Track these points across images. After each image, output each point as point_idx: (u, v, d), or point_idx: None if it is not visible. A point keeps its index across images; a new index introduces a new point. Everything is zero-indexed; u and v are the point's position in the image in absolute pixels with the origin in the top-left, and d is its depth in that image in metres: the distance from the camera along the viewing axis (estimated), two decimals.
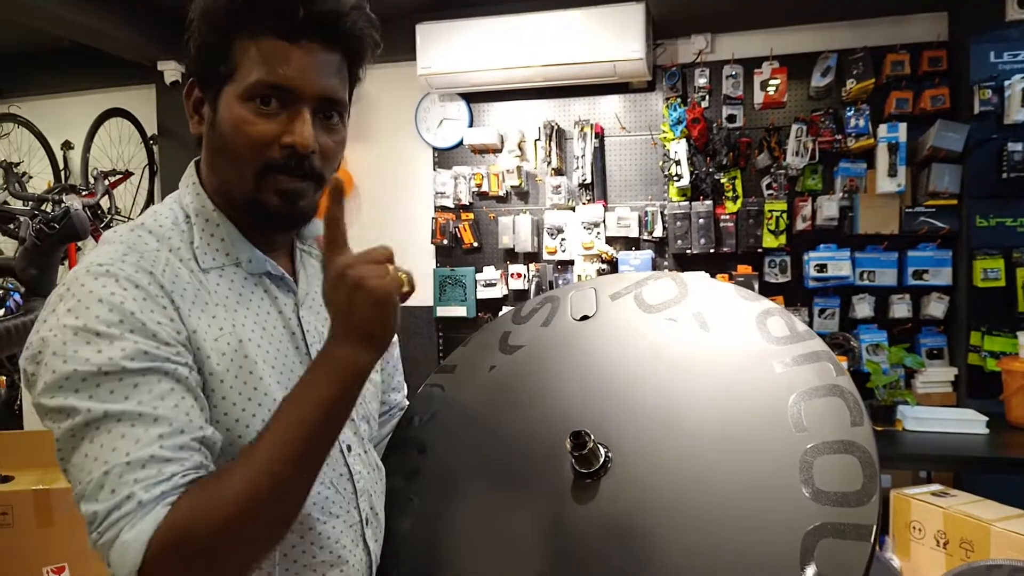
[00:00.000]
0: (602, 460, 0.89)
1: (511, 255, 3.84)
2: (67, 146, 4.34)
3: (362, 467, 0.95)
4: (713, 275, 3.53)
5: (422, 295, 3.94)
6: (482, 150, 3.84)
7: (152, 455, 0.70)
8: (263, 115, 0.82)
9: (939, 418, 2.56)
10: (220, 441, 0.78)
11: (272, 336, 0.88)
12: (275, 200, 0.84)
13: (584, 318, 1.11)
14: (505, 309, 3.79)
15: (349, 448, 0.93)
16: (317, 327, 0.93)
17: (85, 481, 0.70)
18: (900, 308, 3.34)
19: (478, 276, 3.84)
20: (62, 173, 4.31)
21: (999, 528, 1.84)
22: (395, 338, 1.09)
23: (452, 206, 3.88)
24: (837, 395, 0.90)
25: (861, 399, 0.90)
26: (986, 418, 2.53)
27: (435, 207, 3.91)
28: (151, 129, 4.18)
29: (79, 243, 3.08)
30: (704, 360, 0.99)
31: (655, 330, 1.05)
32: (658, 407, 0.95)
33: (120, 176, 4.10)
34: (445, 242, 3.86)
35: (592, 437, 0.88)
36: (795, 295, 3.47)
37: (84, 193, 3.77)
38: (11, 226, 3.49)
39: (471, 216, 3.86)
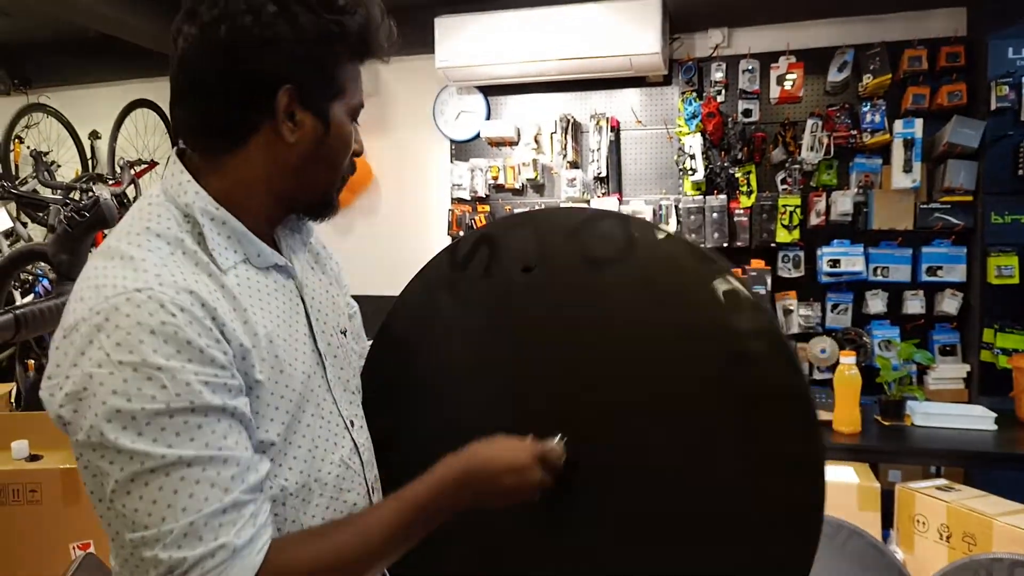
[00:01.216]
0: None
1: None
2: (94, 136, 4.43)
3: (364, 440, 0.99)
4: None
5: None
6: (499, 143, 3.87)
7: (234, 501, 0.73)
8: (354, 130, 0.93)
9: (948, 414, 2.56)
10: (269, 468, 0.82)
11: (289, 326, 0.90)
12: (338, 196, 0.96)
13: (527, 269, 1.07)
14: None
15: (352, 423, 0.97)
16: (316, 306, 0.97)
17: (159, 527, 0.71)
18: (913, 304, 3.33)
19: None
20: (89, 162, 4.40)
21: (1002, 523, 1.85)
22: (356, 310, 1.18)
23: (469, 198, 3.91)
24: None
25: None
26: (994, 414, 2.52)
27: (452, 199, 3.94)
28: None
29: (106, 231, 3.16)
30: (649, 335, 0.99)
31: (601, 298, 1.02)
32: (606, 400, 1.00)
33: (146, 166, 4.18)
34: (461, 234, 3.89)
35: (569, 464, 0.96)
36: (808, 290, 3.47)
37: (111, 182, 3.86)
38: (41, 214, 3.58)
39: (487, 208, 3.89)
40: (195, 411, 0.73)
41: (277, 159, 0.87)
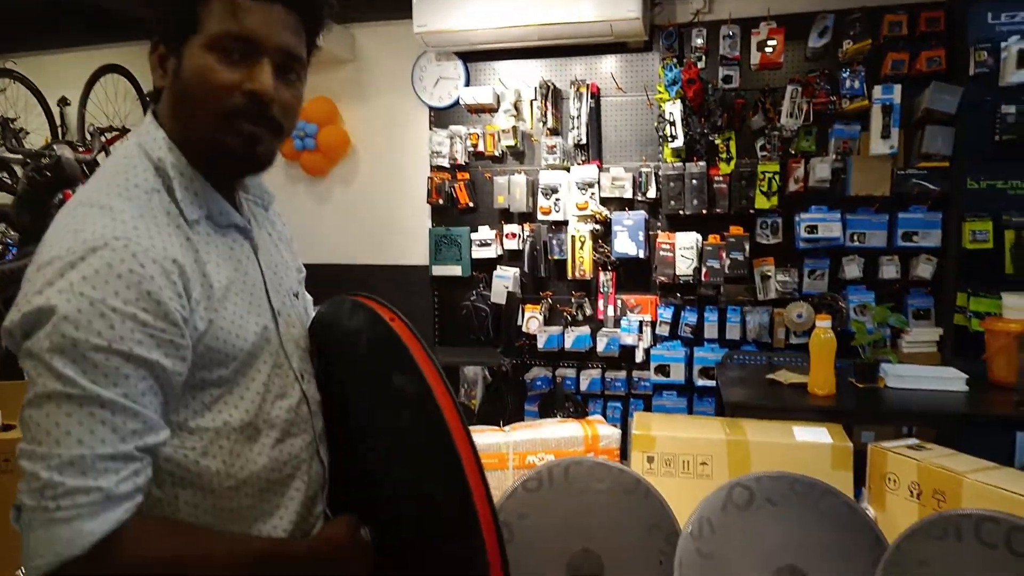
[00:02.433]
0: None
1: (506, 215, 3.84)
2: (64, 102, 4.31)
3: (313, 392, 1.01)
4: (705, 236, 3.55)
5: (418, 254, 3.96)
6: (478, 110, 3.82)
7: (127, 453, 0.76)
8: (226, 64, 0.86)
9: (920, 376, 2.59)
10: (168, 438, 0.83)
11: (244, 282, 0.93)
12: (236, 143, 0.88)
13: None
14: (499, 269, 3.81)
15: (303, 376, 1.00)
16: (272, 268, 1.00)
17: (50, 448, 0.73)
18: (889, 269, 3.35)
19: (473, 236, 3.85)
20: (59, 130, 4.29)
21: (971, 479, 1.88)
22: (304, 275, 1.16)
23: (448, 166, 3.87)
24: None
25: None
26: (966, 376, 2.55)
27: (431, 167, 3.90)
28: (147, 85, 4.13)
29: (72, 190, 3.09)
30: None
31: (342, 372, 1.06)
32: None
33: (117, 133, 4.08)
34: (441, 202, 3.86)
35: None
36: (786, 256, 3.49)
37: (81, 150, 3.76)
38: (9, 181, 3.49)
39: (467, 176, 3.85)
40: (130, 360, 0.76)
41: (165, 105, 0.91)
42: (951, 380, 2.57)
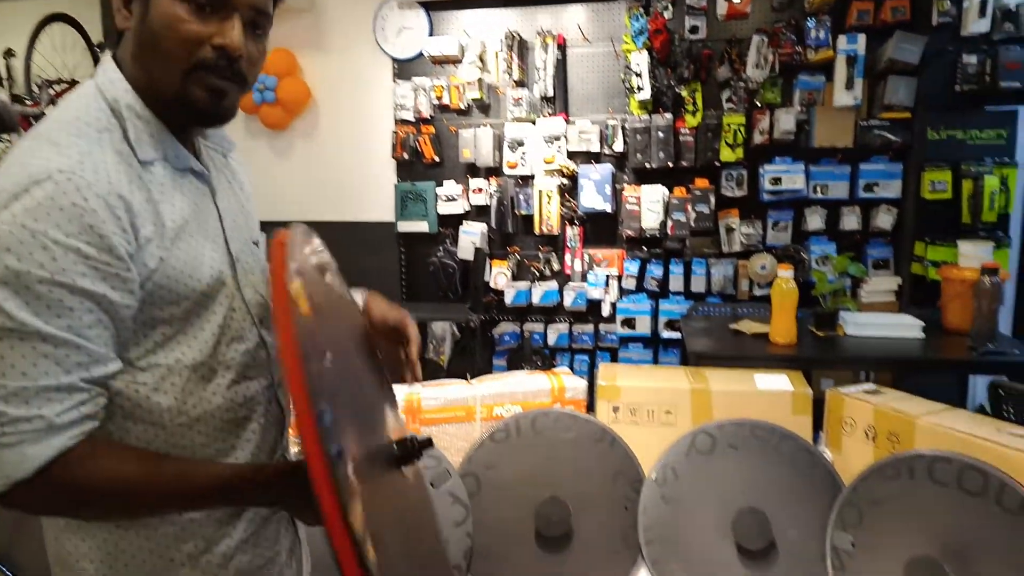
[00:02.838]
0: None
1: (472, 169, 3.79)
2: (9, 54, 4.12)
3: (272, 340, 1.02)
4: (671, 189, 3.54)
5: (383, 210, 3.90)
6: (442, 61, 3.73)
7: (70, 384, 0.77)
8: (197, 15, 0.85)
9: (878, 323, 2.64)
10: (120, 371, 0.84)
11: (199, 224, 0.92)
12: (202, 96, 0.88)
13: None
14: (466, 224, 3.78)
15: (262, 321, 1.00)
16: (230, 214, 1.00)
17: None
18: (850, 220, 3.39)
19: (439, 191, 3.80)
20: (5, 83, 4.10)
21: (924, 421, 1.93)
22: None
23: (412, 119, 3.79)
24: None
25: None
26: (922, 323, 2.61)
27: (395, 120, 3.82)
28: (96, 36, 3.97)
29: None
30: None
31: None
32: None
33: (66, 85, 3.91)
34: (405, 156, 3.79)
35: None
36: (750, 208, 3.51)
37: (29, 103, 3.61)
38: None
39: (432, 129, 3.78)
40: (74, 292, 0.77)
41: (127, 50, 0.90)
42: (907, 327, 2.62)
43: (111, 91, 0.88)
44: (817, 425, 2.26)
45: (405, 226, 3.85)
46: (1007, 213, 3.15)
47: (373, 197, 3.92)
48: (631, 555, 2.11)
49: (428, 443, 0.94)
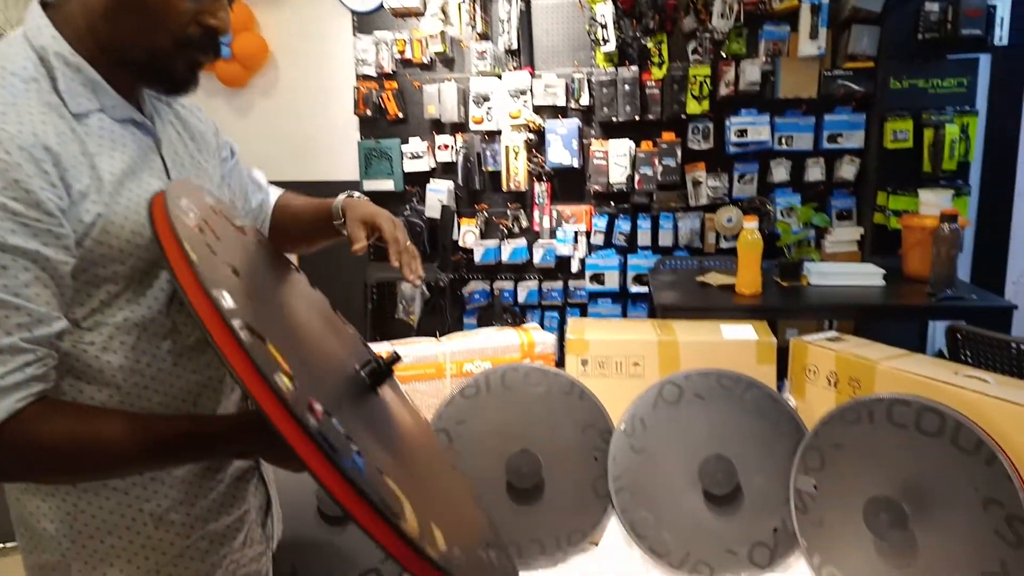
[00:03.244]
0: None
1: (437, 126, 3.72)
2: None
3: None
4: (638, 143, 3.52)
5: (347, 169, 3.82)
6: (404, 13, 3.63)
7: (11, 345, 0.74)
8: None
9: (840, 272, 2.68)
10: (66, 330, 0.80)
11: (141, 179, 0.88)
12: (183, 68, 0.88)
13: None
14: (433, 182, 3.72)
15: None
16: (178, 167, 0.95)
17: None
18: (815, 171, 3.41)
19: (404, 148, 3.73)
20: None
21: (884, 366, 1.97)
22: (236, 159, 1.13)
23: (375, 74, 3.69)
24: None
25: None
26: (883, 271, 2.66)
27: (357, 76, 3.72)
28: None
29: None
30: None
31: None
32: None
33: None
34: (368, 113, 3.70)
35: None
36: (716, 161, 3.50)
37: None
38: None
39: (395, 85, 3.69)
40: (5, 250, 0.73)
41: (84, 3, 0.85)
42: (869, 275, 2.66)
43: (38, 39, 0.83)
44: (781, 373, 2.30)
45: (370, 185, 3.78)
46: (967, 161, 3.19)
47: (336, 155, 3.84)
48: (601, 504, 2.14)
49: (395, 358, 0.92)
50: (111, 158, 0.84)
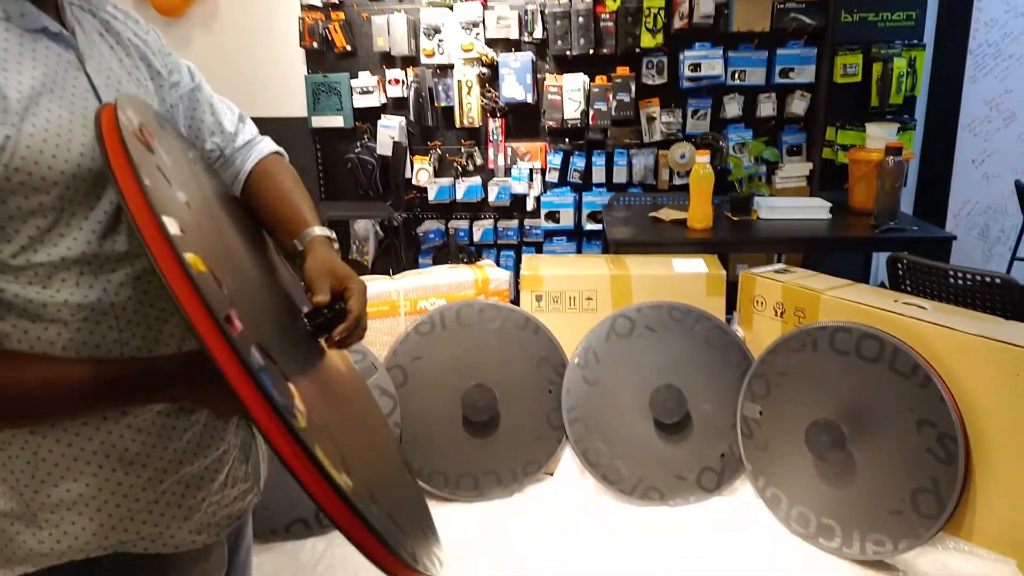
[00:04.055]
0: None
1: (387, 59, 3.59)
2: None
3: None
4: (593, 78, 3.46)
5: (295, 105, 3.68)
6: None
7: None
8: None
9: (789, 206, 2.71)
10: None
11: (62, 98, 0.79)
12: None
13: None
14: (384, 118, 3.62)
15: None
16: (110, 89, 0.85)
17: None
18: (766, 107, 3.41)
19: (353, 83, 3.60)
20: None
21: (828, 296, 2.02)
22: (195, 83, 1.04)
23: (320, 4, 3.52)
24: None
25: None
26: (830, 204, 2.70)
27: (301, 6, 3.54)
28: None
29: None
30: None
31: None
32: None
33: None
34: (315, 45, 3.55)
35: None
36: (670, 97, 3.47)
37: None
38: None
39: (342, 16, 3.53)
40: None
41: None
42: (816, 209, 2.71)
43: None
44: (731, 306, 2.34)
45: (319, 121, 3.66)
46: (913, 96, 3.22)
47: (283, 91, 3.69)
48: (556, 435, 2.18)
49: (342, 310, 0.86)
50: (19, 73, 0.75)
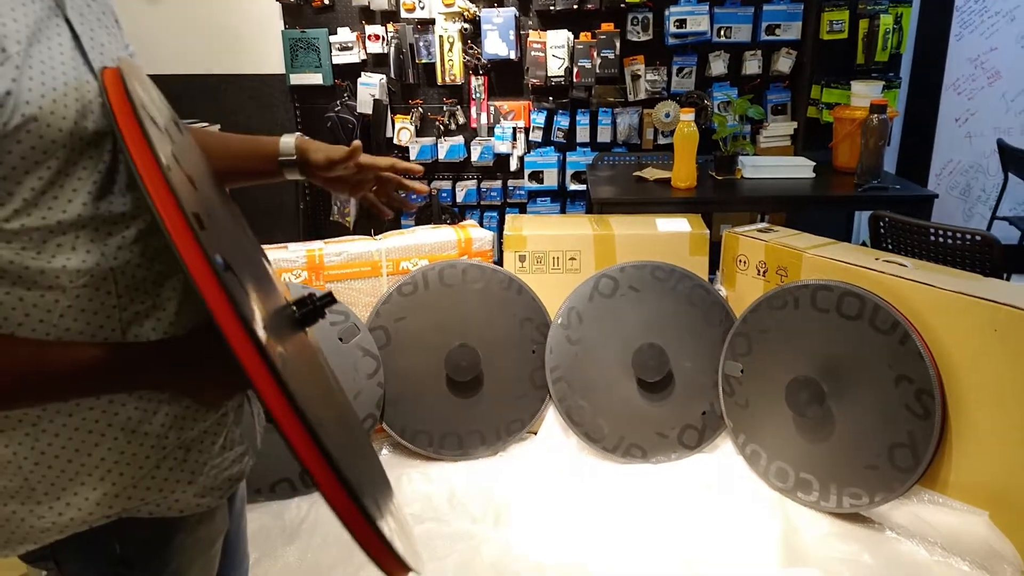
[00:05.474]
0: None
1: (367, 14, 3.50)
2: None
3: None
4: (577, 34, 3.40)
5: (272, 62, 3.59)
6: None
7: None
8: None
9: (773, 165, 2.71)
10: None
11: (50, 48, 0.74)
12: None
13: None
14: (364, 75, 3.54)
15: None
16: (87, 31, 0.80)
17: None
18: (752, 65, 3.37)
19: (332, 39, 3.51)
20: None
21: (810, 255, 2.03)
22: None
23: None
24: None
25: None
26: (813, 163, 2.69)
27: None
28: None
29: None
30: None
31: None
32: None
33: None
34: None
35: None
36: (656, 54, 3.42)
37: None
38: None
39: None
40: None
41: None
42: (800, 168, 2.70)
43: None
44: (714, 266, 2.34)
45: (297, 78, 3.57)
46: (899, 53, 3.20)
47: (259, 46, 3.59)
48: (539, 395, 2.19)
49: (330, 299, 0.85)
50: (13, 21, 0.70)
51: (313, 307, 0.85)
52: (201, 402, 0.85)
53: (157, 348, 0.80)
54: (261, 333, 0.62)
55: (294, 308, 0.85)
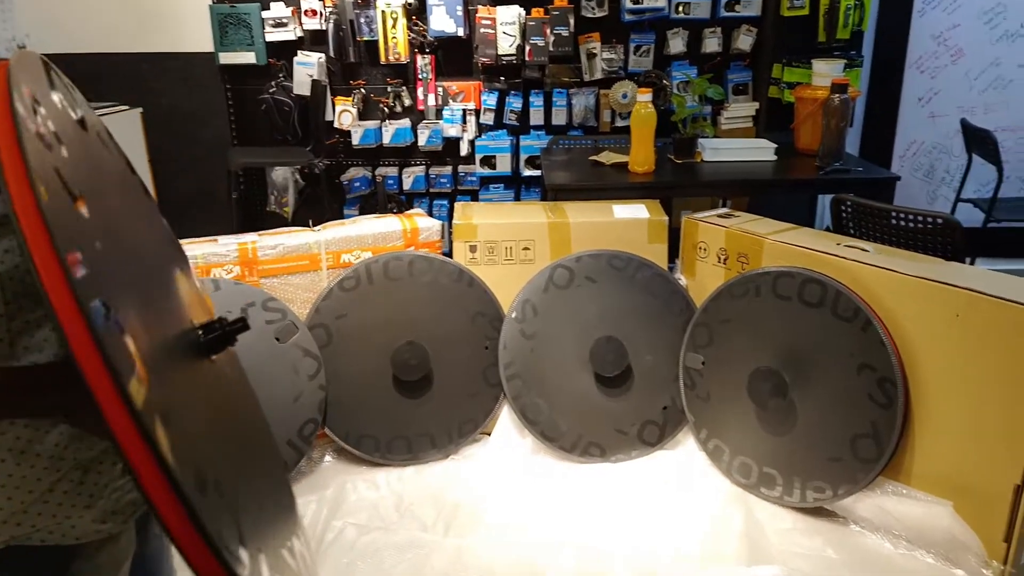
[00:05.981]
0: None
1: None
2: None
3: None
4: (528, 9, 3.39)
5: (200, 39, 3.50)
6: None
7: None
8: None
9: (733, 148, 2.74)
10: None
11: None
12: None
13: None
14: (301, 54, 3.48)
15: None
16: None
17: None
18: (711, 43, 3.42)
19: (265, 14, 3.43)
20: None
21: (771, 241, 2.06)
22: None
23: None
24: None
25: None
26: (775, 145, 2.74)
27: None
28: None
29: None
30: None
31: None
32: None
33: None
34: None
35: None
36: (612, 31, 3.44)
37: None
38: None
39: None
40: None
41: None
42: (761, 150, 2.74)
43: None
44: (674, 254, 2.37)
45: (227, 57, 3.49)
46: (861, 31, 3.27)
47: (184, 22, 3.49)
48: (493, 393, 2.19)
49: (242, 325, 0.82)
50: None
51: (221, 332, 0.82)
52: (86, 428, 0.81)
53: (48, 370, 0.77)
54: (133, 387, 0.58)
55: (199, 332, 0.83)
